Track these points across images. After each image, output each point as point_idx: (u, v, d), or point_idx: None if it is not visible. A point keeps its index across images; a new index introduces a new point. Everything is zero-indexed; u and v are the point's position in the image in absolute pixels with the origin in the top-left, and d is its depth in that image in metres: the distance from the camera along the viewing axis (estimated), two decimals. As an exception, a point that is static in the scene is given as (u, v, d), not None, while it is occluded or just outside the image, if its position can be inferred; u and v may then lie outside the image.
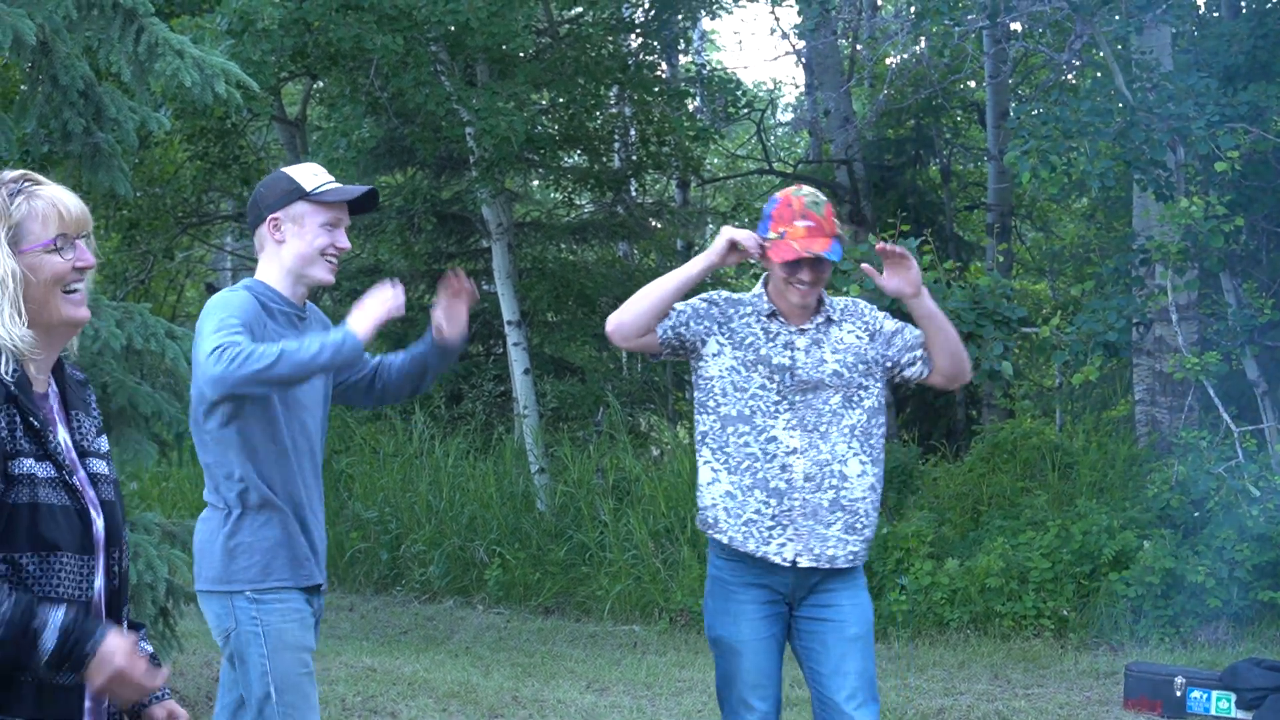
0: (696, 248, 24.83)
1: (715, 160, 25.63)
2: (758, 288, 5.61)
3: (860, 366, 5.50)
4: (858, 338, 5.53)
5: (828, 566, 5.40)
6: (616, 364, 20.25)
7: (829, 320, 5.53)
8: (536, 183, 22.39)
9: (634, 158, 19.12)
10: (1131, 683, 9.20)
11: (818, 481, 5.38)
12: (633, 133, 18.98)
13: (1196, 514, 11.74)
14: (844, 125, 18.06)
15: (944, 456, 15.15)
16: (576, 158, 19.86)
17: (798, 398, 5.42)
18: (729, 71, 20.86)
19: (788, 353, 5.44)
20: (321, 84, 19.04)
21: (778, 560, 5.39)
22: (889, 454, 14.08)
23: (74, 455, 3.37)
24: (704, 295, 5.60)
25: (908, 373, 5.57)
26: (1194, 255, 11.51)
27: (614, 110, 18.94)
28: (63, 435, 3.37)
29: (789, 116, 29.03)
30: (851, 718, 5.38)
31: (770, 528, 5.39)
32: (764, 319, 5.50)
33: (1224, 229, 11.05)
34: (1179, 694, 8.95)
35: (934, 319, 5.47)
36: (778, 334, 5.48)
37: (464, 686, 9.81)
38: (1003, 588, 11.71)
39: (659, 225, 20.75)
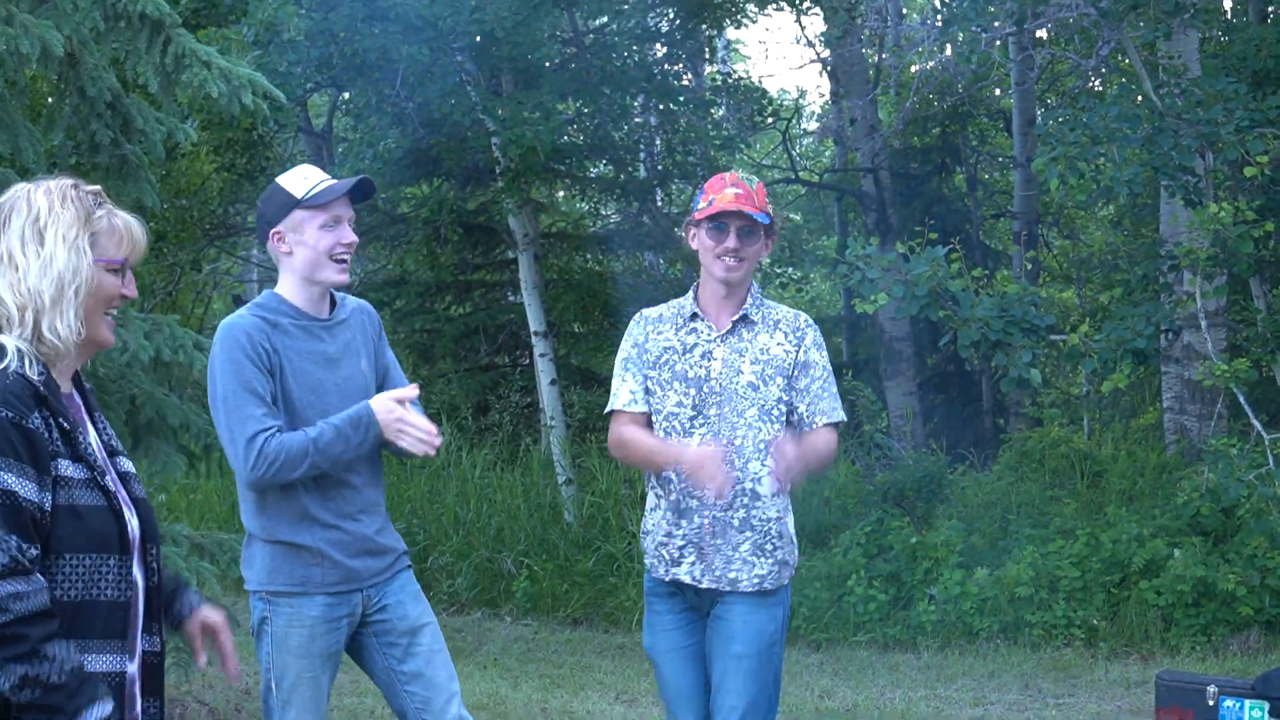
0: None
1: (741, 170, 25.56)
2: (688, 294, 5.48)
3: (779, 380, 5.33)
4: (785, 351, 5.36)
5: (729, 589, 5.30)
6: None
7: (747, 320, 5.37)
8: (562, 193, 22.39)
9: (660, 167, 19.08)
10: (1163, 692, 9.14)
11: (729, 499, 5.23)
12: (658, 142, 18.95)
13: (1227, 521, 11.68)
14: (870, 134, 18.04)
15: (972, 465, 15.10)
16: (602, 167, 19.84)
17: (713, 411, 5.28)
18: (755, 80, 20.85)
19: (704, 363, 5.32)
20: (347, 95, 19.06)
21: (688, 580, 5.33)
22: (917, 462, 14.04)
23: (104, 455, 3.39)
24: (634, 331, 5.49)
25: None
26: (1223, 261, 11.45)
27: (640, 120, 18.92)
28: (92, 436, 3.39)
29: (815, 125, 29.02)
30: None
31: (681, 547, 5.32)
32: (684, 324, 5.39)
33: (1253, 234, 10.99)
34: (1211, 703, 8.89)
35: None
36: (695, 345, 5.36)
37: (493, 698, 9.80)
38: (1032, 597, 11.66)
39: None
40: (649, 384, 5.37)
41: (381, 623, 5.28)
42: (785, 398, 5.32)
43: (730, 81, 20.92)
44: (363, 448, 4.98)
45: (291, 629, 5.06)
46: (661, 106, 18.00)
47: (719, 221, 5.29)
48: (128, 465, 3.50)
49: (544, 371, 16.40)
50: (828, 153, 27.07)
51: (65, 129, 7.74)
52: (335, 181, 5.12)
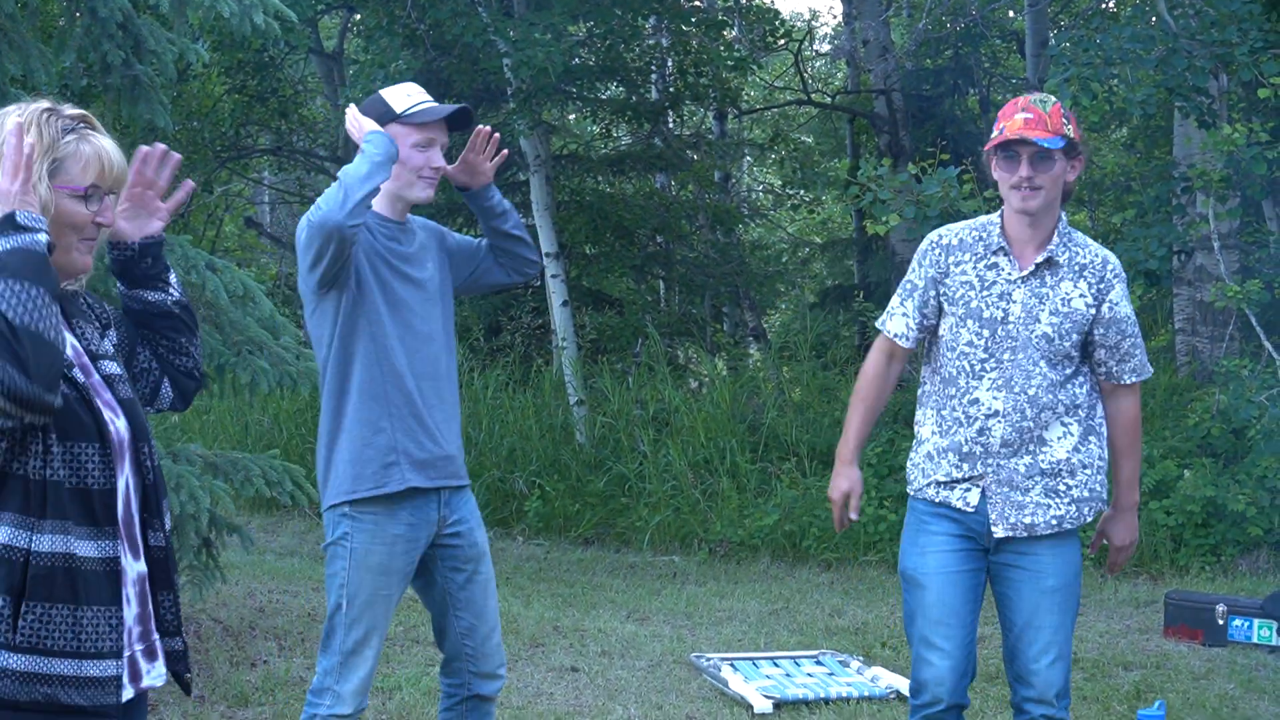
0: (734, 180, 24.76)
1: (753, 92, 25.52)
2: (995, 219, 5.16)
3: (1074, 337, 5.08)
4: (1086, 305, 5.08)
5: (1025, 535, 5.11)
6: (655, 296, 20.22)
7: (1051, 263, 5.07)
8: (574, 115, 22.35)
9: (671, 89, 19.04)
10: (1172, 611, 9.20)
11: (1015, 447, 5.06)
12: (670, 64, 18.90)
13: (1237, 442, 11.70)
14: (882, 55, 17.97)
15: (983, 387, 15.10)
16: (614, 89, 19.79)
17: (1006, 356, 5.06)
18: (767, 1, 20.75)
19: (1002, 304, 5.06)
20: (358, 16, 19.00)
21: (961, 505, 5.10)
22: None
23: (85, 360, 3.43)
24: (929, 257, 5.19)
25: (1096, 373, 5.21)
26: (1236, 183, 11.42)
27: (651, 41, 18.86)
28: (70, 340, 3.43)
29: (827, 47, 28.89)
30: (1040, 675, 5.12)
31: (960, 486, 5.12)
32: (986, 256, 5.09)
33: (1266, 156, 10.96)
34: (1220, 622, 8.95)
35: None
36: (994, 283, 5.07)
37: (505, 616, 9.83)
38: (1042, 517, 11.69)
39: (696, 157, 20.69)
40: (946, 320, 5.15)
41: (452, 546, 5.29)
42: (1075, 354, 5.09)
43: (742, 2, 20.84)
44: (378, 163, 4.92)
45: (374, 546, 5.03)
46: (673, 27, 17.94)
47: (1009, 150, 5.00)
48: (112, 368, 3.53)
49: (555, 293, 16.41)
50: (840, 74, 26.96)
51: (76, 50, 7.72)
52: (436, 105, 5.15)
